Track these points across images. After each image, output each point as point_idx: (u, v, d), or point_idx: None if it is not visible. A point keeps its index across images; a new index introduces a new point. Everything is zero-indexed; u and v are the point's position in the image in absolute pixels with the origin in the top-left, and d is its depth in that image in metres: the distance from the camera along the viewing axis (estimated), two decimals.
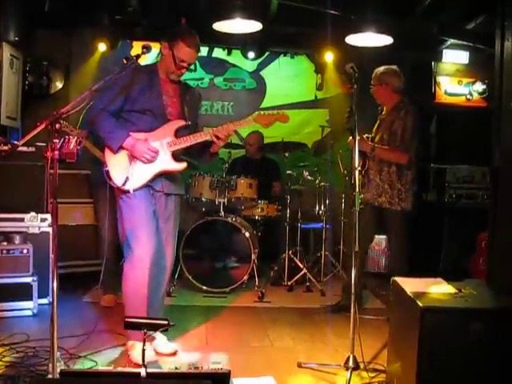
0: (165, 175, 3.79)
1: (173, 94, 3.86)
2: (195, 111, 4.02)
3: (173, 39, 3.72)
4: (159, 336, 3.89)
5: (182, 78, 3.93)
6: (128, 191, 3.66)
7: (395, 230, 4.90)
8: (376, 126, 5.03)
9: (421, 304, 2.88)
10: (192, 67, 3.81)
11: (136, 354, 3.62)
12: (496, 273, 3.80)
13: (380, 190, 4.84)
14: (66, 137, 3.30)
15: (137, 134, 3.70)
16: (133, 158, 3.69)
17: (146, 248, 3.65)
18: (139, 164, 3.70)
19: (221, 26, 5.86)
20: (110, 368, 3.47)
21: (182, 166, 3.80)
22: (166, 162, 3.74)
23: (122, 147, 3.68)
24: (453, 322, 2.85)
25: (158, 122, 3.76)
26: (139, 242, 3.65)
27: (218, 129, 3.75)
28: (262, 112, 3.88)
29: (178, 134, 3.76)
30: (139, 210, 3.69)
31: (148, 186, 3.74)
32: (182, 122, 3.79)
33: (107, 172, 3.71)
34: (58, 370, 2.91)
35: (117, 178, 3.68)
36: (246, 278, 5.69)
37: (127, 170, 3.67)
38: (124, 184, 3.65)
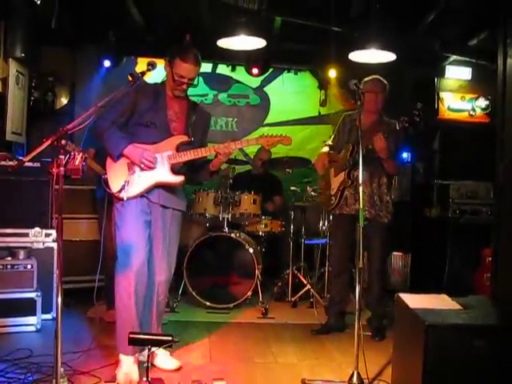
0: (163, 188, 3.81)
1: (178, 110, 3.90)
2: (202, 130, 4.03)
3: (171, 57, 3.78)
4: (162, 352, 3.87)
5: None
6: (122, 199, 3.68)
7: (379, 242, 4.80)
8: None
9: (425, 320, 2.87)
10: (195, 82, 3.86)
11: (120, 374, 3.59)
12: (500, 289, 3.79)
13: (372, 202, 4.73)
14: (72, 153, 3.31)
15: (140, 145, 3.75)
16: (131, 167, 3.72)
17: (133, 259, 3.65)
18: (137, 174, 3.73)
19: (225, 43, 5.90)
20: None
21: (179, 179, 3.81)
22: (163, 174, 3.76)
23: (123, 155, 3.72)
24: (457, 338, 2.84)
25: (161, 136, 3.79)
26: (127, 251, 3.67)
27: (219, 146, 3.78)
28: (265, 133, 3.89)
29: (180, 148, 3.80)
30: (129, 220, 3.72)
31: (143, 196, 3.77)
32: (184, 138, 3.82)
33: (106, 180, 3.76)
34: None
35: (113, 186, 3.73)
36: (249, 293, 5.67)
37: (124, 179, 3.70)
38: (119, 191, 3.68)
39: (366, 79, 4.81)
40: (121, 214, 3.76)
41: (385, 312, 4.86)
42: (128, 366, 3.62)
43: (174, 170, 3.79)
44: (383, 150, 4.48)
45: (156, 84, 4.06)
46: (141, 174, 3.74)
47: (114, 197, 3.78)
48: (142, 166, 3.70)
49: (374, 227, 4.72)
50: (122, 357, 3.67)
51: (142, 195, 3.76)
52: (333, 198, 4.85)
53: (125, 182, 3.69)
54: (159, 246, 3.85)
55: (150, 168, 3.71)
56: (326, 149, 4.99)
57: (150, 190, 3.77)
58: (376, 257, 4.85)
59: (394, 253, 6.65)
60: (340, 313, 4.96)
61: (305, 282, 6.05)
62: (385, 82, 4.79)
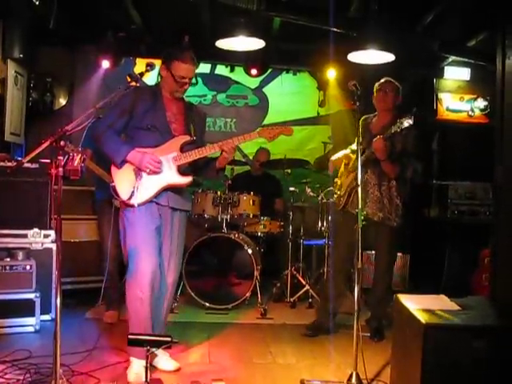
0: (171, 190, 3.81)
1: (176, 111, 3.90)
2: (201, 129, 4.05)
3: (168, 60, 3.78)
4: (161, 353, 3.86)
5: (185, 95, 3.97)
6: (133, 205, 3.66)
7: (386, 245, 4.83)
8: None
9: (424, 321, 2.87)
10: (194, 81, 3.87)
11: (131, 373, 3.60)
12: (499, 290, 3.79)
13: (380, 205, 4.73)
14: (70, 154, 3.31)
15: (143, 149, 3.73)
16: (138, 172, 3.70)
17: (146, 264, 3.64)
18: (145, 179, 3.71)
19: (223, 44, 5.90)
20: None
21: (188, 179, 3.81)
22: (172, 176, 3.76)
23: (126, 161, 3.70)
24: (456, 339, 2.84)
25: (163, 138, 3.78)
26: (139, 258, 3.65)
27: (222, 142, 3.78)
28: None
29: (184, 149, 3.80)
30: (141, 226, 3.69)
31: (153, 201, 3.74)
32: (187, 138, 3.81)
33: (113, 187, 3.74)
34: None
35: (123, 193, 3.70)
36: (248, 294, 5.66)
37: (133, 185, 3.68)
38: (129, 198, 3.67)
39: (377, 83, 4.86)
40: (131, 221, 3.72)
41: (384, 313, 4.86)
42: (139, 367, 3.60)
43: (181, 170, 3.79)
44: (380, 152, 4.52)
45: (151, 86, 4.05)
46: (149, 179, 3.72)
47: (122, 203, 3.75)
48: (148, 170, 3.68)
49: (382, 230, 4.76)
50: (133, 358, 3.68)
51: (151, 200, 3.74)
52: (341, 198, 4.87)
53: (134, 188, 3.67)
54: (167, 248, 3.85)
55: (157, 171, 3.71)
56: (347, 151, 4.99)
57: (159, 194, 3.76)
58: (382, 259, 4.89)
59: None
60: (327, 311, 4.87)
61: (304, 282, 6.06)
62: (396, 83, 4.83)
